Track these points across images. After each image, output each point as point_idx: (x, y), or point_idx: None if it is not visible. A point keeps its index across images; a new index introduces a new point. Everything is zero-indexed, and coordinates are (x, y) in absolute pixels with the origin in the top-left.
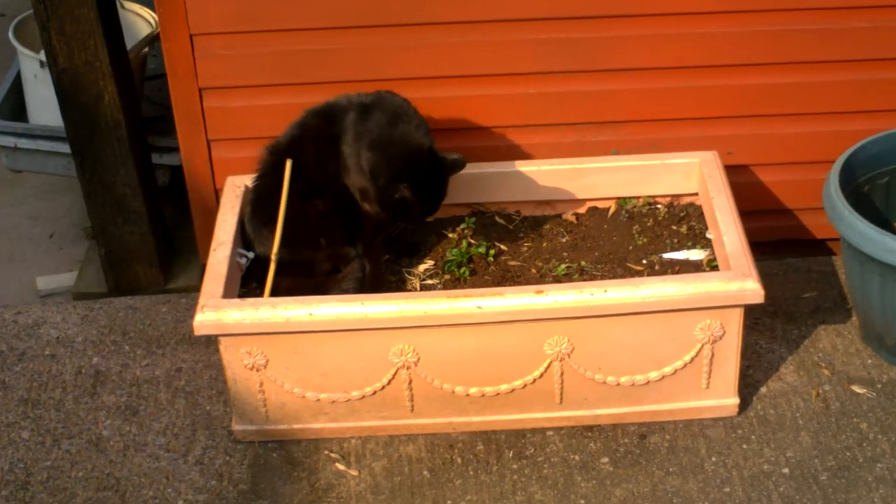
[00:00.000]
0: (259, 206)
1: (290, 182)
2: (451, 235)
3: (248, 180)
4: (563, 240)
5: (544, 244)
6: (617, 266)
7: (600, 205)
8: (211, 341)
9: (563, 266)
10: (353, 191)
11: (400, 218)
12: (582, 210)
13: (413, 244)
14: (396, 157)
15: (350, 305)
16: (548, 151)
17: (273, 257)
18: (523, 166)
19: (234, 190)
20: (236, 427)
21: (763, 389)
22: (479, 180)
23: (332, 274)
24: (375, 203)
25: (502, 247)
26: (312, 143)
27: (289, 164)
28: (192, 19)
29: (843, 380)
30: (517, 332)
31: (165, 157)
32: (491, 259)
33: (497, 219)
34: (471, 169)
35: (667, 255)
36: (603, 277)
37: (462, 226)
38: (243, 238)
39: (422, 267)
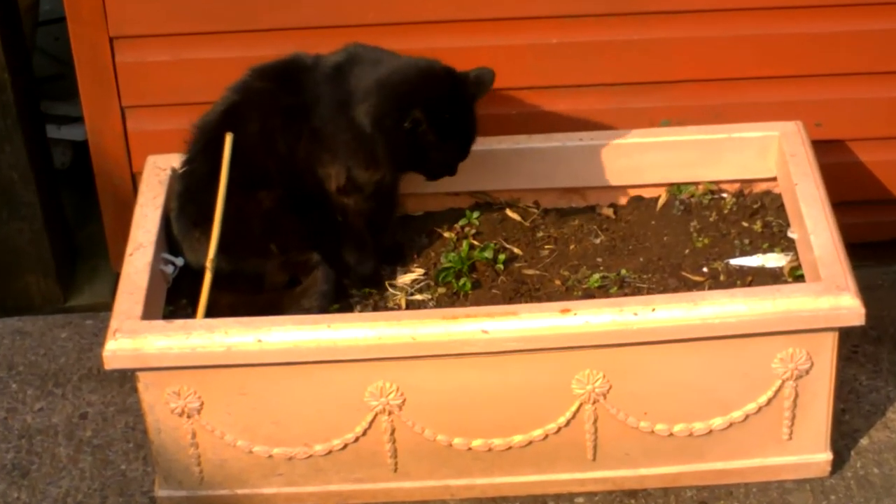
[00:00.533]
0: (188, 199)
1: (229, 167)
2: (446, 235)
3: (175, 161)
4: (597, 240)
5: (572, 247)
6: (668, 276)
7: (646, 193)
8: (127, 378)
9: (596, 276)
10: (329, 180)
11: (417, 168)
12: (622, 200)
13: (396, 247)
14: (400, 83)
15: (312, 330)
16: (576, 122)
17: (209, 266)
18: (543, 142)
19: (157, 174)
20: (161, 493)
21: (864, 441)
22: (484, 160)
23: (288, 288)
24: (386, 159)
25: (515, 250)
26: (259, 113)
27: (229, 140)
28: None
29: None
30: (536, 364)
31: (65, 129)
32: (500, 267)
33: (509, 212)
34: (474, 145)
35: (735, 261)
36: (650, 291)
37: (462, 222)
38: (169, 240)
39: (408, 277)
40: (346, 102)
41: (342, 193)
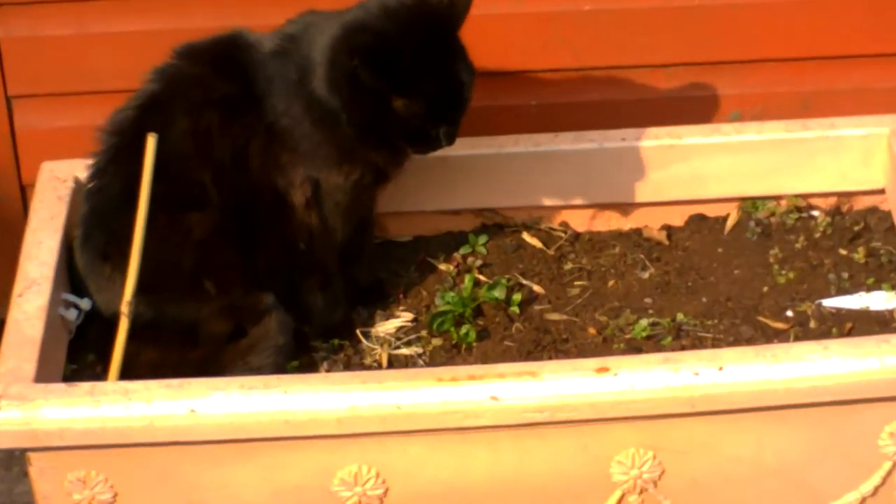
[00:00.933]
0: (96, 222)
1: (151, 181)
2: (443, 267)
3: (80, 169)
4: (645, 274)
5: (611, 283)
6: (741, 322)
7: (711, 211)
8: (15, 459)
9: (644, 322)
10: (293, 191)
11: (391, 138)
12: (678, 221)
13: (375, 284)
14: (351, 29)
15: (264, 396)
16: (616, 116)
17: (124, 311)
18: (573, 143)
19: (55, 187)
20: None
21: None
22: (493, 167)
23: (231, 341)
24: (355, 137)
25: (535, 287)
26: (188, 108)
27: (151, 144)
28: None
29: None
30: (563, 442)
31: None
32: (515, 310)
33: (526, 236)
34: (478, 147)
35: (830, 302)
36: (716, 343)
37: (464, 250)
38: (72, 275)
39: (392, 325)
40: (303, 78)
41: (310, 208)
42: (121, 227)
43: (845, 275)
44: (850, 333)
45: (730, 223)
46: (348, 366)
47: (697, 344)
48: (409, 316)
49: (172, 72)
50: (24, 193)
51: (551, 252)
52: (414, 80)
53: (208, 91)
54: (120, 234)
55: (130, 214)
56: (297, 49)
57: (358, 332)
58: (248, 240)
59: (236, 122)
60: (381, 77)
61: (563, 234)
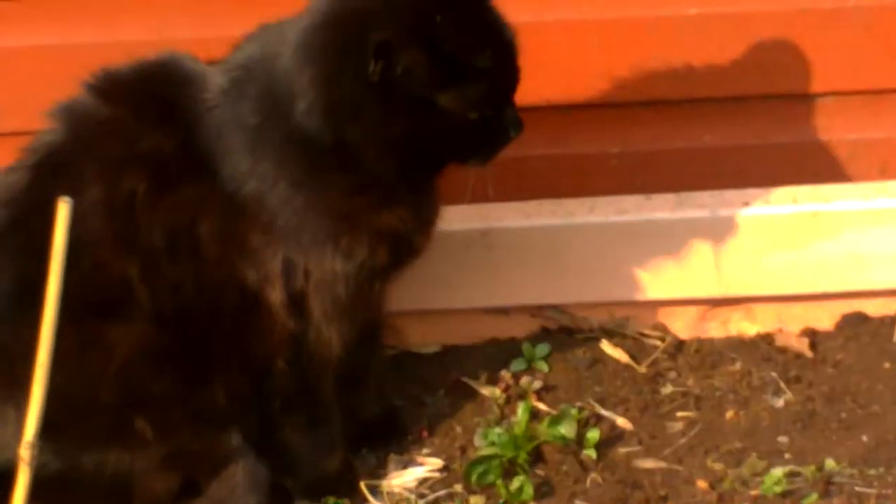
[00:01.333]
0: None
1: (62, 272)
2: (485, 392)
3: None
4: (778, 401)
5: (729, 414)
6: None
7: (873, 309)
8: None
9: (778, 471)
10: (269, 288)
11: (437, 155)
12: (825, 322)
13: (387, 415)
14: (350, 12)
15: None
16: (734, 169)
17: (24, 459)
18: (673, 210)
19: None
20: None
21: None
22: (558, 246)
23: (179, 502)
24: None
25: (620, 421)
26: (101, 167)
27: (63, 212)
28: None
29: None
30: None
31: None
32: (591, 453)
33: (606, 346)
34: (535, 216)
35: None
36: (881, 500)
37: (516, 366)
38: None
39: (412, 475)
40: (271, 119)
41: (294, 309)
42: (12, 341)
43: None
44: None
45: None
46: None
47: (855, 503)
48: (436, 463)
49: (82, 112)
50: None
51: (642, 369)
52: (461, 59)
53: (130, 143)
54: (11, 351)
55: (25, 323)
56: (255, 80)
57: (363, 486)
58: (198, 359)
59: (173, 190)
60: (427, 71)
61: (658, 343)
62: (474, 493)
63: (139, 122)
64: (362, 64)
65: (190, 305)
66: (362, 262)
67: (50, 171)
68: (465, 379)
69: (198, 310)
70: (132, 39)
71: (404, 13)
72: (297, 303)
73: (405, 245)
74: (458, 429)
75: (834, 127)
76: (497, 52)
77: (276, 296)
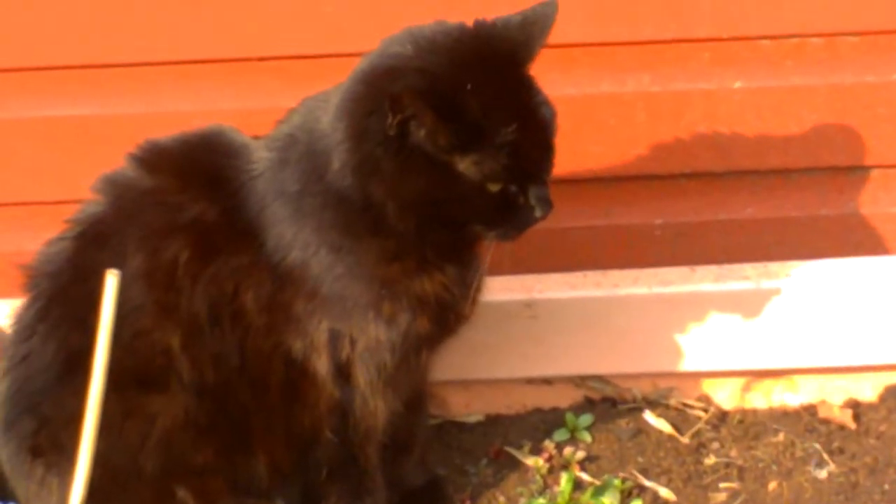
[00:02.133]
0: (23, 405)
1: (109, 343)
2: (528, 462)
3: (3, 317)
4: (822, 473)
5: (772, 485)
6: None
7: None
8: None
9: None
10: (314, 356)
11: (456, 221)
12: (868, 393)
13: (430, 484)
14: (377, 73)
15: None
16: (780, 240)
17: None
18: (716, 281)
19: None
20: None
21: None
22: (601, 317)
23: None
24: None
25: (663, 492)
26: (143, 237)
27: (110, 285)
28: None
29: None
30: None
31: None
32: None
33: (649, 417)
34: (579, 287)
35: None
36: None
37: (559, 436)
38: None
39: None
40: (310, 184)
41: (338, 378)
42: (56, 410)
43: None
44: None
45: None
46: None
47: None
48: None
49: (125, 183)
50: None
51: (685, 440)
52: (482, 126)
53: (174, 212)
54: (55, 420)
55: (68, 392)
56: (298, 147)
57: None
58: (240, 428)
59: (215, 259)
60: (439, 128)
61: (702, 414)
62: None
63: (182, 192)
64: (383, 118)
65: (232, 376)
66: (406, 329)
67: (92, 241)
68: (508, 448)
69: (241, 380)
70: (176, 110)
71: (431, 73)
72: (342, 372)
73: (449, 313)
74: (502, 498)
75: (878, 200)
76: (525, 128)
77: (322, 365)
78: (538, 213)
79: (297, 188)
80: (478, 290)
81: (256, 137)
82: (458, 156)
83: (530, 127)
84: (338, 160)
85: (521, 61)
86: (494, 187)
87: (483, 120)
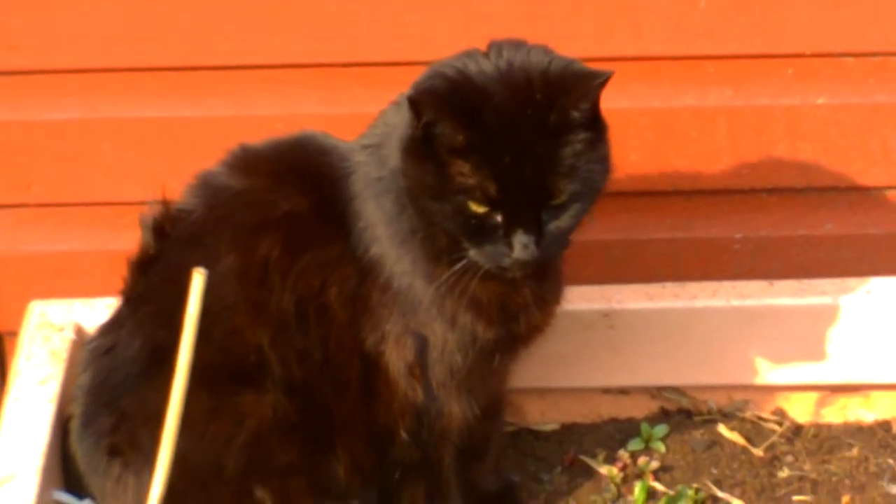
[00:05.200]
0: (101, 399)
1: (194, 341)
2: (602, 471)
3: (83, 312)
4: (894, 488)
5: (845, 498)
6: None
7: None
8: None
9: None
10: (384, 347)
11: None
12: None
13: (504, 491)
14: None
15: None
16: (858, 256)
17: None
18: (794, 295)
19: (48, 337)
20: None
21: None
22: (678, 329)
23: None
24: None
25: (734, 502)
26: (236, 235)
27: (197, 283)
28: None
29: None
30: None
31: None
32: None
33: (723, 429)
34: (656, 298)
35: None
36: None
37: (634, 445)
38: (67, 466)
39: None
40: (389, 172)
41: (411, 377)
42: (136, 406)
43: None
44: None
45: None
46: None
47: None
48: None
49: (219, 183)
50: (3, 345)
51: (759, 452)
52: (486, 141)
53: (266, 209)
54: (134, 417)
55: (152, 389)
56: (383, 147)
57: None
58: (322, 428)
59: (304, 253)
60: (439, 119)
61: (776, 427)
62: None
63: (275, 190)
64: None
65: (315, 372)
66: (472, 331)
67: (186, 241)
68: (582, 457)
69: (323, 377)
70: (261, 114)
71: (453, 78)
72: (412, 370)
73: (516, 321)
74: None
75: None
76: (520, 168)
77: (393, 361)
78: (514, 254)
79: (377, 185)
80: (553, 301)
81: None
82: (456, 159)
83: (526, 172)
84: (394, 157)
85: (540, 116)
86: (478, 208)
87: (485, 134)
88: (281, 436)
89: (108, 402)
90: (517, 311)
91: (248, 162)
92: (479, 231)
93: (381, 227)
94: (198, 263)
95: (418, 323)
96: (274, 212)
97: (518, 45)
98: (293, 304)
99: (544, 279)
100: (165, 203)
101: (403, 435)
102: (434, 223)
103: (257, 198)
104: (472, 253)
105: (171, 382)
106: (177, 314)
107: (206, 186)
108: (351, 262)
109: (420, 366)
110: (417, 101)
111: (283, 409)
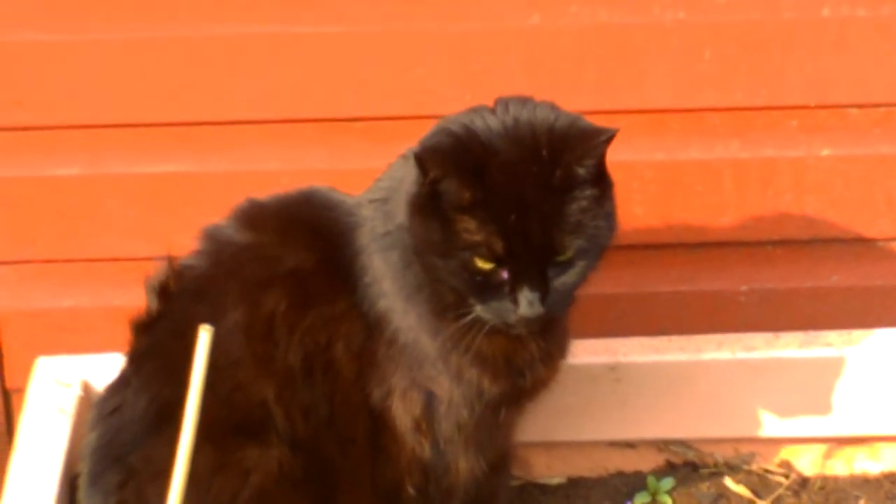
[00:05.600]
0: (109, 457)
1: (201, 399)
2: None
3: (90, 368)
4: None
5: None
6: None
7: None
8: None
9: None
10: (391, 401)
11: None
12: None
13: None
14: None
15: None
16: (864, 307)
17: None
18: (801, 348)
19: (55, 394)
20: None
21: None
22: (684, 382)
23: None
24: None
25: None
26: (242, 290)
27: (203, 339)
28: None
29: None
30: None
31: None
32: None
33: (730, 482)
34: (663, 351)
35: None
36: None
37: (641, 499)
38: None
39: None
40: (396, 226)
41: (417, 432)
42: (144, 464)
43: None
44: None
45: None
46: None
47: None
48: None
49: (225, 238)
50: (9, 402)
51: None
52: (492, 198)
53: (272, 265)
54: (142, 474)
55: (159, 446)
56: (389, 202)
57: None
58: (326, 483)
59: (311, 308)
60: (445, 176)
61: (783, 480)
62: None
63: (282, 245)
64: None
65: (321, 428)
66: (477, 386)
67: (191, 296)
68: None
69: (329, 432)
70: (266, 169)
71: (460, 134)
72: (419, 425)
73: (521, 376)
74: None
75: None
76: (526, 226)
77: (399, 415)
78: (520, 310)
79: (383, 240)
80: (559, 356)
81: (349, 195)
82: (462, 216)
83: (532, 228)
84: (401, 212)
85: (545, 173)
86: (484, 265)
87: (495, 193)
88: (286, 491)
89: (115, 459)
90: (523, 366)
91: (256, 216)
92: (485, 287)
93: (387, 281)
94: (203, 318)
95: (424, 377)
96: (280, 267)
97: (524, 101)
98: (300, 360)
99: (550, 334)
100: (170, 259)
101: (410, 490)
102: (440, 279)
103: (265, 252)
104: (478, 309)
105: (178, 439)
106: (182, 370)
107: (212, 241)
108: (357, 316)
109: (427, 420)
110: (423, 159)
111: (289, 464)
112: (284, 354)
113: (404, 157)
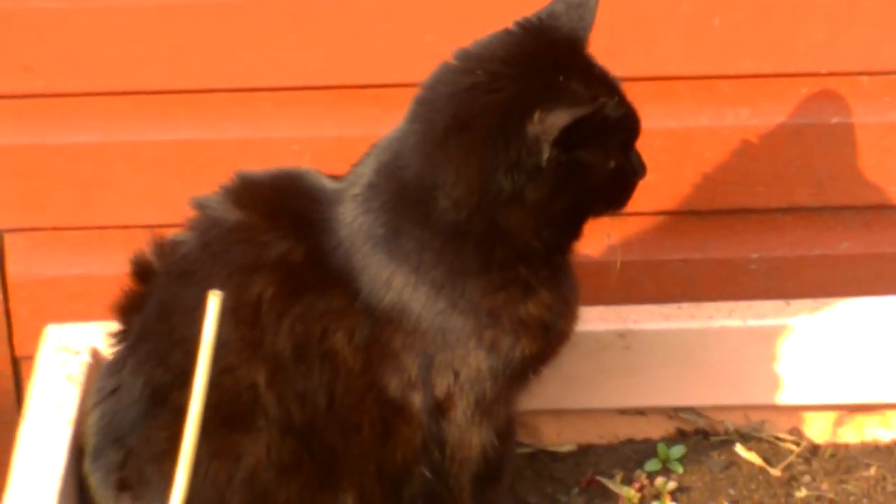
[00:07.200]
0: (109, 436)
1: (209, 370)
2: (618, 491)
3: (100, 336)
4: None
5: None
6: None
7: None
8: None
9: None
10: (409, 391)
11: (584, 212)
12: None
13: None
14: (489, 101)
15: None
16: (876, 276)
17: None
18: (811, 314)
19: (64, 361)
20: None
21: None
22: (694, 349)
23: None
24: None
25: None
26: (230, 273)
27: (212, 306)
28: None
29: None
30: None
31: None
32: None
33: (741, 449)
34: (673, 318)
35: None
36: None
37: (651, 466)
38: (82, 491)
39: None
40: (410, 220)
41: (435, 413)
42: (142, 445)
43: None
44: None
45: None
46: None
47: None
48: None
49: (214, 217)
50: (18, 369)
51: (777, 472)
52: (594, 114)
53: (258, 250)
54: (141, 454)
55: (156, 428)
56: (381, 194)
57: None
58: (328, 465)
59: (301, 299)
60: (574, 134)
61: (794, 447)
62: None
63: (269, 231)
64: (518, 152)
65: (319, 415)
66: (508, 353)
67: (178, 277)
68: (600, 478)
69: (329, 419)
70: (276, 136)
71: (540, 91)
72: (440, 405)
73: (551, 332)
74: None
75: None
76: (621, 99)
77: (418, 401)
78: (640, 176)
79: (387, 233)
80: (575, 302)
81: (336, 177)
82: (585, 150)
83: (622, 98)
84: (447, 201)
85: (582, 44)
86: (612, 164)
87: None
88: (280, 473)
89: (116, 438)
90: (552, 324)
91: (244, 194)
92: (612, 182)
93: (403, 276)
94: (191, 301)
95: (451, 357)
96: (268, 253)
97: (492, 39)
98: (290, 348)
99: (564, 283)
100: (155, 238)
101: (422, 469)
102: (556, 226)
103: (251, 236)
104: (610, 210)
105: (173, 421)
106: (170, 354)
107: (201, 218)
108: (361, 311)
109: (447, 400)
110: (565, 140)
111: (281, 448)
112: (273, 340)
113: (383, 143)
